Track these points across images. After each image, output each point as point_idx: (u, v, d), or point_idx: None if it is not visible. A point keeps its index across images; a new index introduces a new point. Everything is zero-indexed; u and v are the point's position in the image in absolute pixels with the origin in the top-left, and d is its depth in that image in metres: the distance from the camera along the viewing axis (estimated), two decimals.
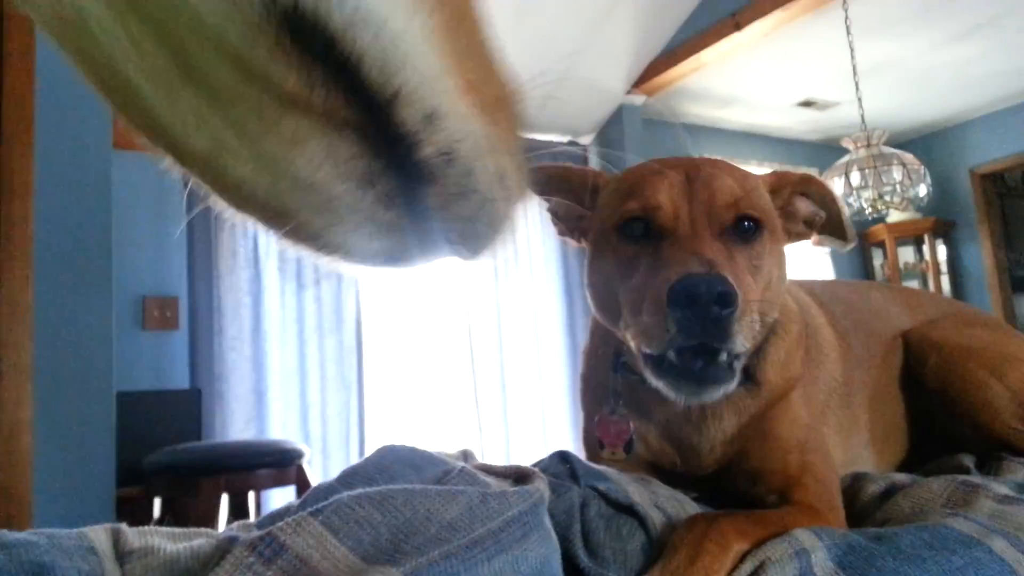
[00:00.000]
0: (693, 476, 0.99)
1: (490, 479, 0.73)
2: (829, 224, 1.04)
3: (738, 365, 0.84)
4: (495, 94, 0.32)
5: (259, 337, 4.13)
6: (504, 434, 4.77)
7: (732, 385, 0.84)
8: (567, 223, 1.07)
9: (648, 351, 0.83)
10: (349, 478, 0.70)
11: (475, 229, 0.33)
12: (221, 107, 0.27)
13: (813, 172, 5.14)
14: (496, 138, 0.31)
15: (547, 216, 1.10)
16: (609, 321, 0.96)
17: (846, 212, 1.04)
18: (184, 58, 0.25)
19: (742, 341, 0.80)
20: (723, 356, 0.81)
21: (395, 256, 0.34)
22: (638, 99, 5.22)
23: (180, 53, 0.25)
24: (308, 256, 0.35)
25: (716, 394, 0.84)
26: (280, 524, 0.53)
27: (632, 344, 0.88)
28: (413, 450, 0.78)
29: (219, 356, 4.01)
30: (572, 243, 1.08)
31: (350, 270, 0.36)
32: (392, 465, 0.72)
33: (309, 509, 0.55)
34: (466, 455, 0.85)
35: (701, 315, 0.77)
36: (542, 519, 0.67)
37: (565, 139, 5.42)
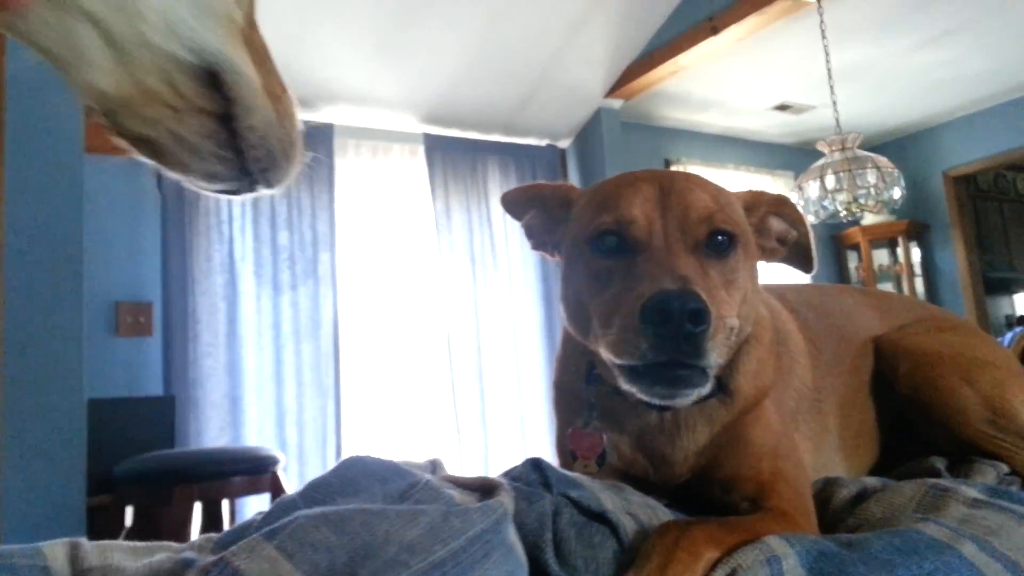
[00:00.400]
0: (666, 485, 0.99)
1: (455, 492, 0.72)
2: (796, 249, 1.05)
3: (711, 371, 0.84)
4: (277, 92, 0.63)
5: (234, 343, 4.09)
6: (483, 440, 4.76)
7: (706, 388, 0.83)
8: (541, 237, 1.07)
9: (620, 362, 0.82)
10: (313, 492, 0.69)
11: (271, 159, 0.61)
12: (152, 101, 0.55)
13: (789, 176, 5.16)
14: (277, 112, 0.61)
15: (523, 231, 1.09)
16: (582, 334, 0.95)
17: (813, 238, 1.05)
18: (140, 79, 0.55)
19: (715, 357, 0.80)
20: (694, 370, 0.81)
21: (227, 177, 0.61)
22: (616, 103, 5.23)
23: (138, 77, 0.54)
24: (176, 178, 0.60)
25: (690, 397, 0.84)
26: (234, 548, 0.52)
27: (604, 356, 0.87)
28: (379, 461, 0.77)
29: (194, 362, 3.97)
30: (548, 258, 1.08)
31: (200, 189, 0.62)
32: (357, 478, 0.70)
33: (264, 531, 0.54)
34: (434, 465, 0.84)
35: (674, 332, 0.76)
36: (505, 536, 0.66)
37: (543, 142, 5.43)
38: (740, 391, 0.96)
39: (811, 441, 1.10)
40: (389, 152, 4.85)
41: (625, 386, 0.85)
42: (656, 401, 0.86)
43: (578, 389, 1.03)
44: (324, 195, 4.48)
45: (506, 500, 0.70)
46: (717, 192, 0.94)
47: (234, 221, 4.22)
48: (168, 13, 0.53)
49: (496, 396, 4.85)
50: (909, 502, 0.92)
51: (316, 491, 0.69)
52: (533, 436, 4.85)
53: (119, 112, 0.54)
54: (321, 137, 4.46)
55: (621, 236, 0.89)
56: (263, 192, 0.64)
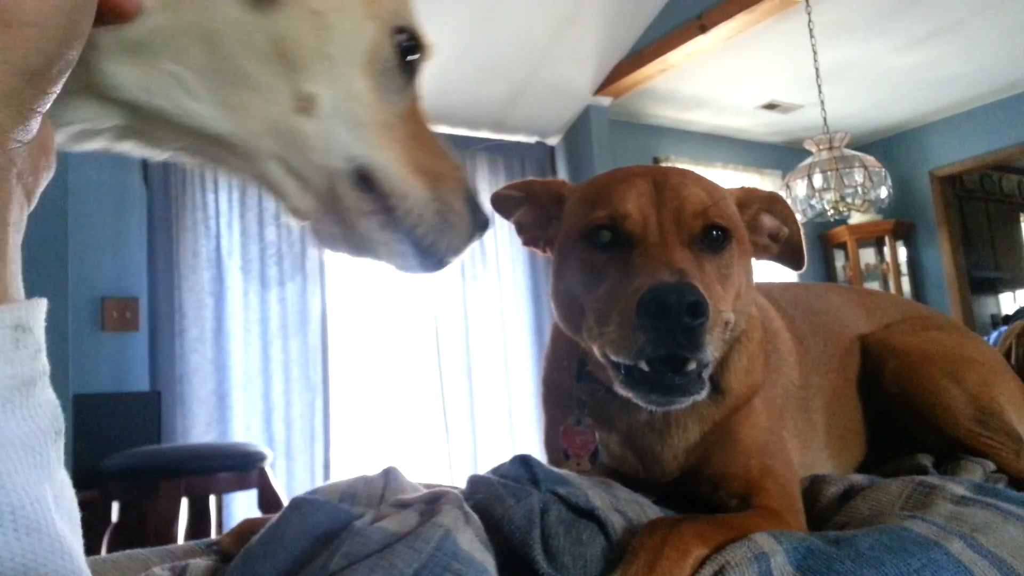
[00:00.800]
0: (655, 483, 0.99)
1: (392, 521, 0.70)
2: (787, 246, 1.05)
3: (707, 374, 0.84)
4: (438, 170, 0.69)
5: (221, 338, 4.07)
6: (471, 436, 4.76)
7: (702, 394, 0.83)
8: (532, 233, 1.06)
9: (617, 360, 0.82)
10: (252, 564, 0.68)
11: (436, 233, 0.68)
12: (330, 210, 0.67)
13: (777, 175, 5.19)
14: (435, 189, 0.68)
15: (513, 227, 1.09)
16: (573, 330, 0.95)
17: (803, 237, 1.06)
18: None
19: (712, 351, 0.79)
20: (692, 365, 0.81)
21: (413, 258, 0.68)
22: (605, 100, 5.23)
23: None
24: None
25: (686, 403, 0.84)
26: None
27: (597, 353, 0.87)
28: (320, 507, 0.74)
29: (180, 358, 3.95)
30: (539, 253, 1.07)
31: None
32: (296, 539, 0.69)
33: None
34: (387, 475, 0.82)
35: (671, 325, 0.76)
36: (454, 553, 0.65)
37: (532, 139, 5.42)
38: (731, 389, 0.96)
39: (798, 439, 1.10)
40: None
41: (621, 391, 0.85)
42: (653, 407, 0.86)
43: (568, 386, 1.03)
44: None
45: (447, 519, 0.69)
46: (711, 187, 0.94)
47: (221, 216, 4.20)
48: (327, 137, 0.62)
49: (485, 393, 4.85)
50: (896, 499, 0.93)
51: (255, 563, 0.67)
52: (521, 433, 4.85)
53: (313, 224, 0.66)
54: None
55: (615, 231, 0.88)
56: (450, 261, 0.72)
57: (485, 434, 4.80)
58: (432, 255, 0.70)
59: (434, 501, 0.71)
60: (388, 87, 0.67)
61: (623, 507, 0.85)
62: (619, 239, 0.88)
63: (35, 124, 0.44)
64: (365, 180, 0.65)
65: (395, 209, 0.66)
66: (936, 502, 0.89)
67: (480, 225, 0.73)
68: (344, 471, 4.37)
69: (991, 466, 1.09)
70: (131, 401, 3.74)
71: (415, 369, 4.79)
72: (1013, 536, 0.81)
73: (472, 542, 0.68)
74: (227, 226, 4.21)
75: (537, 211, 1.05)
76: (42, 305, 0.45)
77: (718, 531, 0.79)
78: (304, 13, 0.60)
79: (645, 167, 0.96)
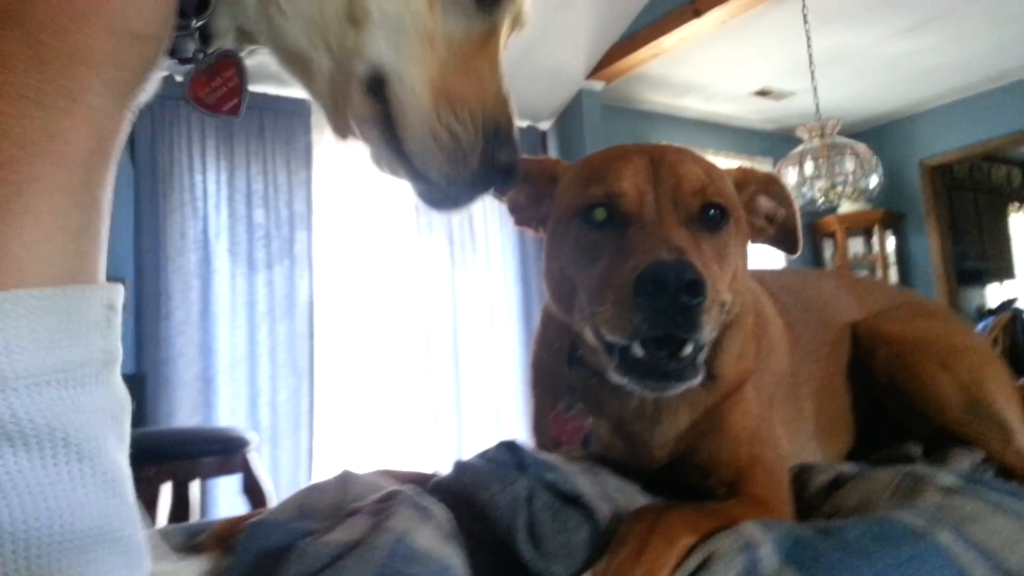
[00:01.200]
0: (643, 470, 0.98)
1: (344, 529, 0.66)
2: (782, 229, 1.04)
3: (701, 358, 0.82)
4: (463, 96, 0.65)
5: (208, 321, 4.04)
6: (457, 422, 4.75)
7: (697, 380, 0.82)
8: (525, 212, 1.04)
9: (612, 340, 0.80)
10: None
11: (430, 155, 0.63)
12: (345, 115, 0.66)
13: (768, 162, 5.18)
14: (449, 110, 0.63)
15: (505, 206, 1.07)
16: (566, 312, 0.93)
17: (799, 220, 1.04)
18: None
19: (709, 332, 0.78)
20: (688, 347, 0.79)
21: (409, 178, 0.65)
22: (597, 85, 5.21)
23: None
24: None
25: (680, 389, 0.82)
26: None
27: (589, 336, 0.85)
28: (275, 528, 0.71)
29: (166, 340, 3.92)
30: (531, 233, 1.05)
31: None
32: (252, 564, 0.65)
33: None
34: (343, 480, 0.78)
35: (669, 304, 0.74)
36: (409, 554, 0.62)
37: (524, 123, 5.39)
38: (723, 375, 0.95)
39: (788, 426, 1.09)
40: None
41: (615, 377, 0.83)
42: (647, 393, 0.84)
43: (557, 371, 1.01)
44: (301, 172, 4.43)
45: (398, 519, 0.65)
46: (709, 166, 0.92)
47: (209, 198, 4.16)
48: (365, 44, 0.61)
49: (472, 379, 4.84)
50: (885, 489, 0.92)
51: None
52: (508, 419, 4.85)
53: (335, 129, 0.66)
54: (298, 113, 4.40)
55: (611, 209, 0.86)
56: (459, 198, 0.66)
57: (471, 420, 4.79)
58: (430, 184, 0.65)
59: (386, 502, 0.68)
60: (454, 8, 0.64)
61: (611, 494, 0.83)
62: (615, 217, 0.86)
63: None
64: (378, 85, 0.62)
65: (394, 121, 0.62)
66: (925, 492, 0.88)
67: (495, 165, 0.64)
68: (329, 457, 4.37)
69: (979, 455, 1.09)
70: None
71: (402, 355, 4.77)
72: (1001, 527, 0.81)
73: (432, 538, 0.66)
74: (215, 208, 4.17)
75: (530, 190, 1.03)
76: (122, 288, 0.48)
77: (706, 519, 0.78)
78: None
79: (641, 145, 0.94)
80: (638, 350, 0.79)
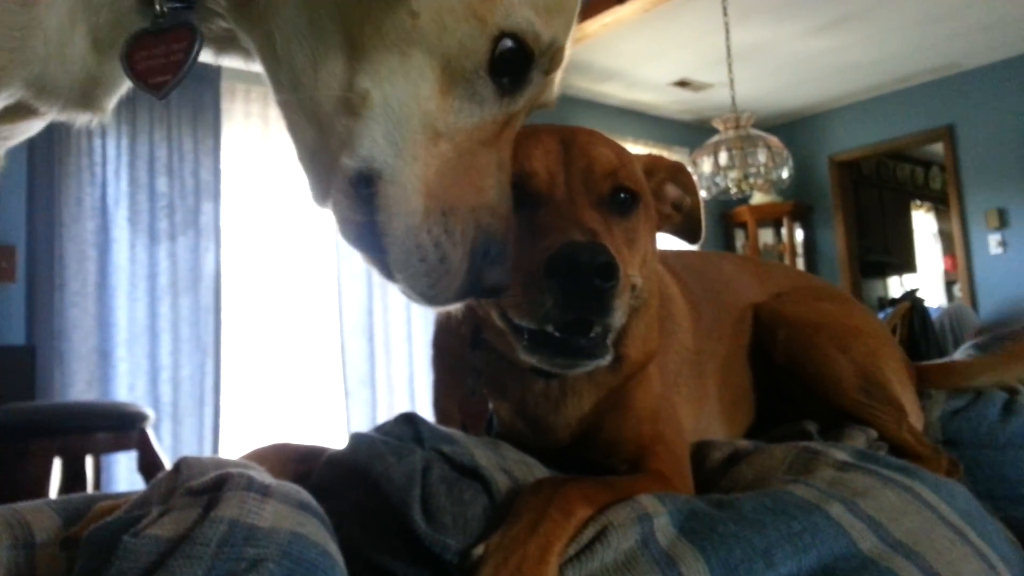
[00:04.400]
0: (545, 450, 0.96)
1: (170, 521, 0.61)
2: (687, 219, 1.05)
3: (611, 339, 0.81)
4: (463, 203, 0.64)
5: (105, 293, 3.86)
6: (371, 399, 4.69)
7: (607, 359, 0.81)
8: None
9: (523, 325, 0.78)
10: None
11: (404, 277, 0.61)
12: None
13: (685, 151, 5.26)
14: (440, 226, 0.60)
15: None
16: None
17: (703, 210, 1.06)
18: None
19: (620, 316, 0.77)
20: (597, 329, 0.78)
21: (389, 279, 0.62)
22: None
23: None
24: None
25: (590, 367, 0.82)
26: None
27: (497, 318, 0.83)
28: (112, 526, 0.65)
29: (59, 312, 3.72)
30: None
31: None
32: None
33: None
34: (178, 468, 0.74)
35: (581, 287, 0.72)
36: (238, 555, 0.58)
37: None
38: (629, 356, 0.94)
39: (692, 404, 1.10)
40: None
41: (524, 356, 0.81)
42: (556, 371, 0.83)
43: (460, 353, 0.99)
44: (209, 140, 4.25)
45: (228, 507, 0.60)
46: (620, 149, 0.92)
47: (108, 163, 3.95)
48: (358, 136, 0.57)
49: (385, 356, 4.78)
50: (780, 464, 0.93)
51: None
52: (423, 396, 4.81)
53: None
54: (207, 78, 4.23)
55: (522, 190, 0.83)
56: (438, 305, 0.63)
57: (385, 397, 4.74)
58: (410, 289, 0.61)
59: (218, 488, 0.63)
60: (468, 95, 0.59)
61: (509, 467, 0.82)
62: (525, 198, 0.83)
63: None
64: (367, 181, 0.57)
65: (380, 227, 0.58)
66: (818, 467, 0.90)
67: (480, 286, 0.62)
68: (236, 435, 4.25)
69: (874, 434, 1.12)
70: (3, 355, 3.52)
71: (315, 330, 4.67)
72: (891, 500, 0.83)
73: (275, 513, 0.62)
74: (114, 174, 3.97)
75: None
76: None
77: (604, 492, 0.77)
78: (400, 3, 0.54)
79: (552, 125, 0.91)
80: (553, 332, 0.78)
